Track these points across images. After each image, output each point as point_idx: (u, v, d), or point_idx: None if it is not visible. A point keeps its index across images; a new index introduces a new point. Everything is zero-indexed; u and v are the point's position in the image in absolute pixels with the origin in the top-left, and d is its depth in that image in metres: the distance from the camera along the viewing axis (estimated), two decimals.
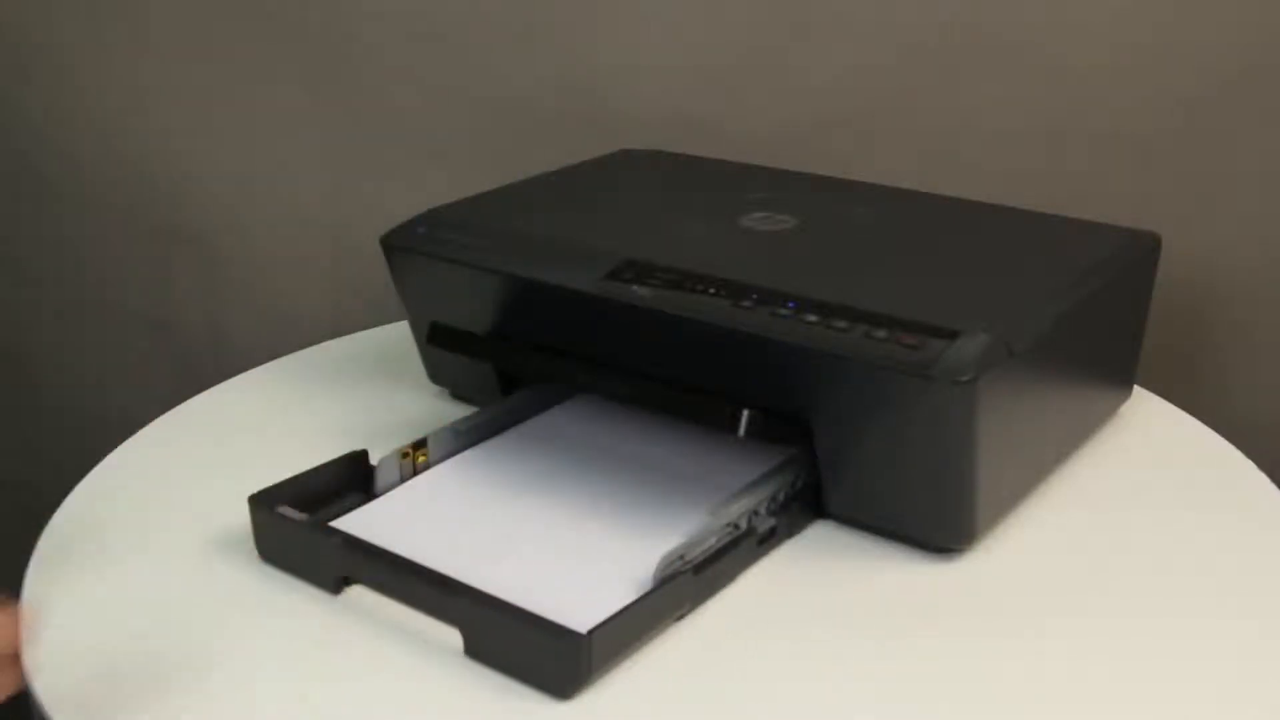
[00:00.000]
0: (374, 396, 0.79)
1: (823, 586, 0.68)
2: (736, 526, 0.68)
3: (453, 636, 0.62)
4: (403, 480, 0.76)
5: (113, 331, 1.36)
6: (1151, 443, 0.83)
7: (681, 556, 0.65)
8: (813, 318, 0.67)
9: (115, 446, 0.83)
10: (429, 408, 0.87)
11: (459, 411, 0.84)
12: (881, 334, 0.65)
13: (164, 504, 0.76)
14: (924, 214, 0.86)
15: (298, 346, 1.00)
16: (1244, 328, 1.04)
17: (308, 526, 0.69)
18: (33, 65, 1.26)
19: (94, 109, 1.27)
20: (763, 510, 0.70)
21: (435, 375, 0.89)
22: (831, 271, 0.74)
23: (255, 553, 0.71)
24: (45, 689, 0.61)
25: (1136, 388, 0.87)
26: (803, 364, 0.67)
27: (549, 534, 0.71)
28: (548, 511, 0.73)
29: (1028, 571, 0.69)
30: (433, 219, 0.84)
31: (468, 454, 0.80)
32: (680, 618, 0.65)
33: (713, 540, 0.67)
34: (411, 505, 0.74)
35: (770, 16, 1.06)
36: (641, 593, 0.62)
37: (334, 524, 0.71)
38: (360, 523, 0.71)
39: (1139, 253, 0.80)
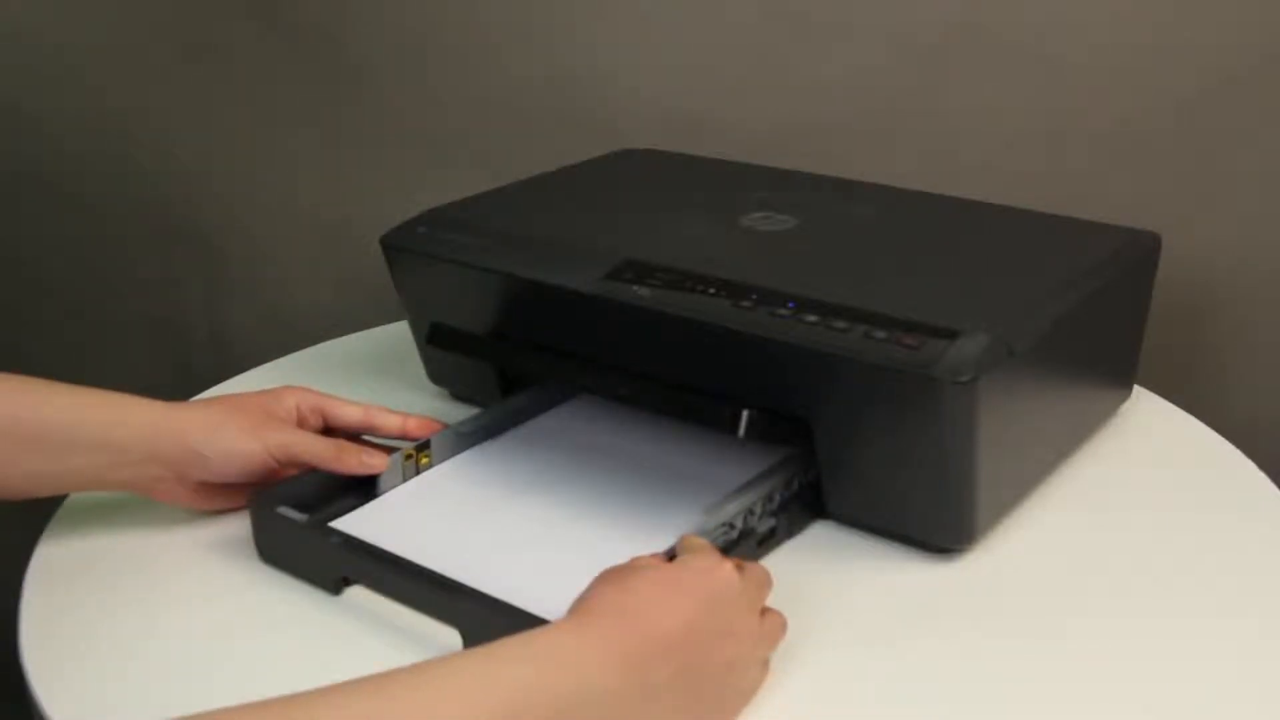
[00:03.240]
0: (374, 396, 0.79)
1: (823, 586, 0.68)
2: (732, 526, 0.68)
3: (452, 637, 0.62)
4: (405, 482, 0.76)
5: (113, 331, 1.36)
6: (1151, 443, 0.83)
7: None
8: (812, 318, 0.67)
9: None
10: (429, 408, 0.87)
11: (459, 411, 0.84)
12: (881, 334, 0.65)
13: (164, 503, 0.76)
14: (924, 214, 0.86)
15: (298, 346, 1.00)
16: (1244, 328, 1.04)
17: (308, 526, 0.69)
18: (34, 66, 1.26)
19: (95, 109, 1.27)
20: (759, 510, 0.70)
21: (435, 375, 0.89)
22: (831, 271, 0.74)
23: (255, 553, 0.71)
24: (45, 688, 0.61)
25: (1136, 388, 0.87)
26: (803, 364, 0.67)
27: (549, 534, 0.71)
28: (548, 511, 0.73)
29: (1028, 571, 0.69)
30: (433, 219, 0.84)
31: (466, 454, 0.80)
32: None
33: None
34: (411, 505, 0.74)
35: (770, 16, 1.06)
36: None
37: (334, 524, 0.71)
38: (360, 523, 0.71)
39: (1139, 253, 0.80)
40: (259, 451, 0.70)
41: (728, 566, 0.58)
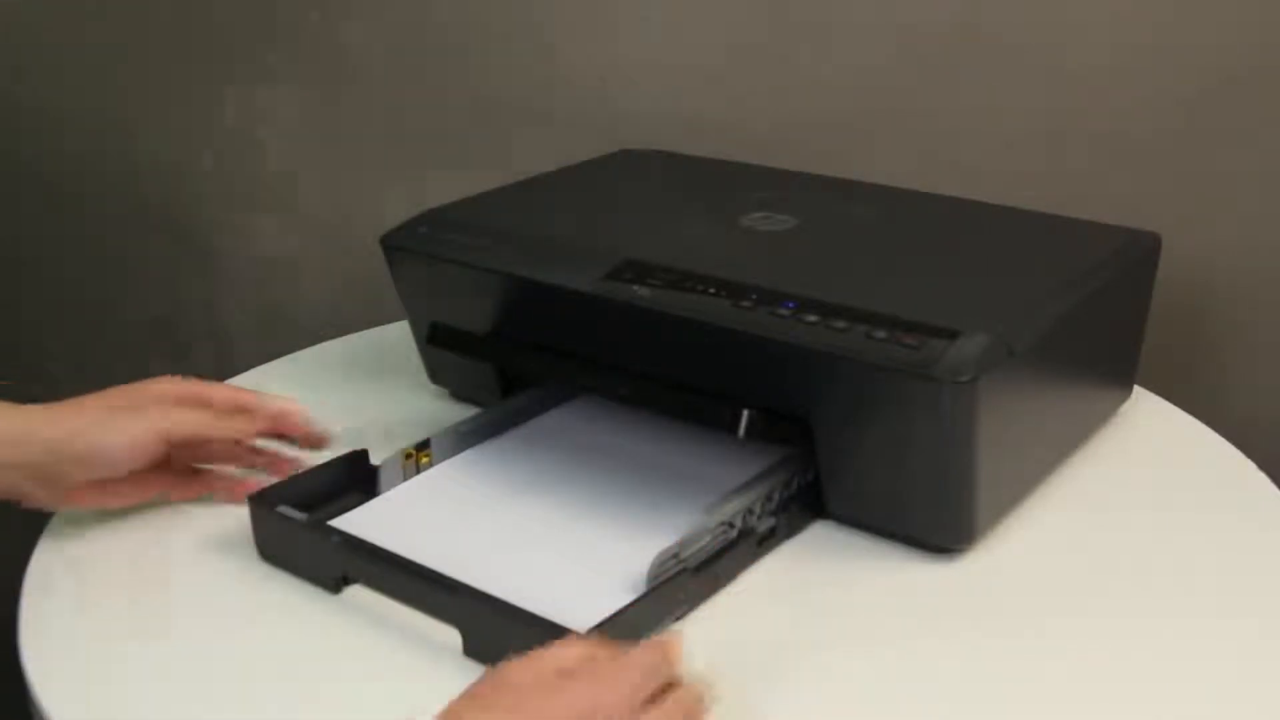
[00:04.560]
0: (374, 396, 0.79)
1: (823, 586, 0.68)
2: (731, 525, 0.68)
3: (452, 636, 0.62)
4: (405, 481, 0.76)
5: (113, 331, 1.36)
6: (1151, 443, 0.83)
7: (675, 556, 0.64)
8: (812, 318, 0.67)
9: None
10: (429, 408, 0.87)
11: (459, 411, 0.84)
12: (881, 334, 0.65)
13: (164, 503, 0.76)
14: (924, 214, 0.86)
15: (297, 346, 1.00)
16: (1244, 328, 1.04)
17: (308, 526, 0.69)
18: (33, 65, 1.26)
19: (95, 109, 1.27)
20: (758, 509, 0.70)
21: (435, 375, 0.89)
22: (831, 271, 0.74)
23: (255, 553, 0.71)
24: (45, 688, 0.61)
25: (1136, 388, 0.87)
26: (803, 364, 0.67)
27: (549, 534, 0.71)
28: (548, 511, 0.73)
29: (1028, 571, 0.69)
30: (433, 219, 0.84)
31: (466, 454, 0.80)
32: (679, 618, 0.65)
33: (707, 539, 0.67)
34: (411, 505, 0.74)
35: (770, 16, 1.06)
36: (640, 593, 0.62)
37: (334, 524, 0.71)
38: (360, 522, 0.71)
39: (1139, 253, 0.80)
40: (134, 440, 0.69)
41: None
